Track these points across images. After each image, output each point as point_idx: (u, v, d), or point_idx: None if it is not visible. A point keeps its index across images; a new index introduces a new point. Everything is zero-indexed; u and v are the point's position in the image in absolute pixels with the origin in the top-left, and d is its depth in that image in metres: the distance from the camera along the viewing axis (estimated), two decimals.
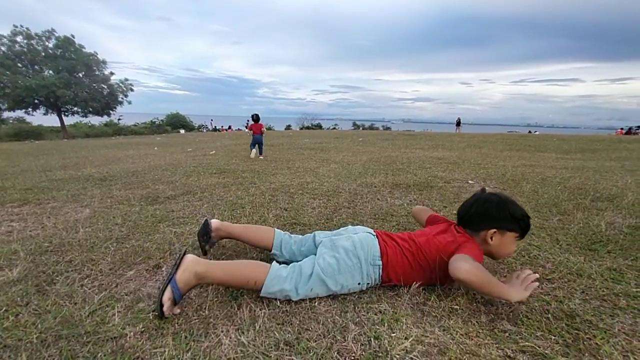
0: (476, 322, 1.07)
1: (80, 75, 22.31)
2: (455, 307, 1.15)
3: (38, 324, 1.06)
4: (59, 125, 23.07)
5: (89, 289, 1.28)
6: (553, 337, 0.99)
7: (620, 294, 1.22)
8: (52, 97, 20.75)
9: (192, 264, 1.14)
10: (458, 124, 23.55)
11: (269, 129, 26.37)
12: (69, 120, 24.17)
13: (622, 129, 22.87)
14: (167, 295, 1.08)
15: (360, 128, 36.12)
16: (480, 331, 1.03)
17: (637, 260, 1.49)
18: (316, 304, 1.18)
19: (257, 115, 6.07)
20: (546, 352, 0.93)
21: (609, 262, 1.48)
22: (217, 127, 30.76)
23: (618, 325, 1.04)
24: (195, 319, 1.09)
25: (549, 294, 1.23)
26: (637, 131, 21.01)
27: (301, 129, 32.35)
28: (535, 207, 2.36)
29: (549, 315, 1.10)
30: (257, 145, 5.82)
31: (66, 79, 20.84)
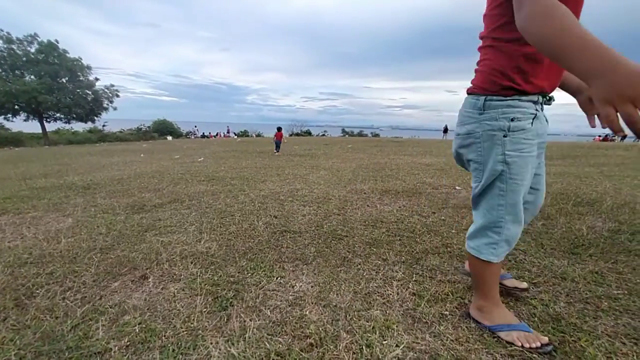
0: (466, 327, 1.08)
1: (64, 80, 21.81)
2: (445, 312, 1.16)
3: (17, 340, 1.01)
4: (40, 131, 22.41)
5: (71, 302, 1.23)
6: None
7: (602, 297, 1.25)
8: (34, 102, 20.18)
9: None
10: (445, 130, 24.09)
11: (258, 135, 26.47)
12: (51, 126, 23.54)
13: (599, 136, 23.83)
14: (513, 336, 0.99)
15: (347, 135, 36.40)
16: (470, 336, 1.04)
17: (617, 263, 1.55)
18: (307, 312, 1.17)
19: (280, 127, 9.09)
20: (534, 356, 0.95)
21: (591, 265, 1.52)
22: (206, 134, 30.49)
23: (601, 327, 1.07)
24: (183, 331, 1.06)
25: (535, 298, 1.25)
26: (613, 138, 21.92)
27: (290, 135, 32.38)
28: None
29: (536, 319, 1.12)
30: (277, 145, 8.52)
31: (49, 84, 20.33)
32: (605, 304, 1.21)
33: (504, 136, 0.86)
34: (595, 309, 1.18)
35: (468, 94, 0.96)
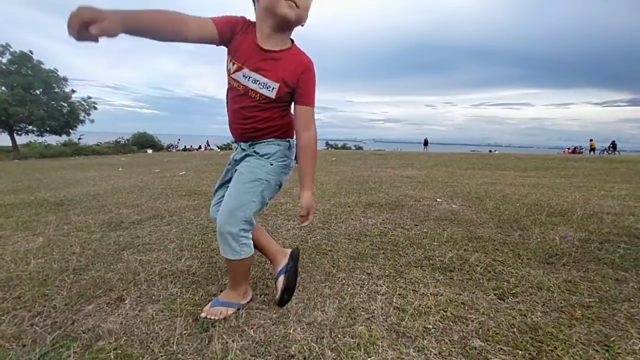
0: (448, 340, 1.10)
1: (38, 92, 21.05)
2: (429, 326, 1.18)
3: None
4: (10, 144, 21.38)
5: (41, 328, 1.16)
6: (520, 352, 1.04)
7: (576, 305, 1.31)
8: (4, 114, 19.31)
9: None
10: (425, 143, 24.84)
11: None
12: (22, 139, 22.52)
13: (568, 148, 25.18)
14: None
15: (331, 148, 36.74)
16: (453, 349, 1.05)
17: (588, 271, 1.62)
18: (291, 330, 1.15)
19: None
20: None
21: (564, 274, 1.59)
22: (187, 147, 29.99)
23: (575, 336, 1.11)
24: (161, 356, 1.02)
25: (514, 308, 1.29)
26: (581, 150, 23.21)
27: None
28: (498, 223, 2.51)
29: (515, 330, 1.15)
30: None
31: (21, 96, 19.54)
32: (579, 312, 1.26)
33: None
34: (569, 317, 1.23)
35: None
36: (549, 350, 1.04)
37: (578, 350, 1.04)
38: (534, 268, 1.68)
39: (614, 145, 21.61)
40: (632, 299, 1.35)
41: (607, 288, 1.45)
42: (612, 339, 1.09)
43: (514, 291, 1.43)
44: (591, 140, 21.97)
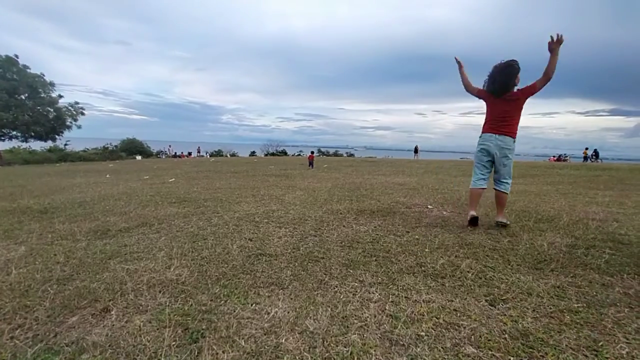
0: (441, 347, 1.09)
1: (23, 97, 20.57)
2: (422, 333, 1.17)
3: None
4: None
5: (21, 342, 1.11)
6: (511, 358, 1.04)
7: (565, 310, 1.33)
8: None
9: None
10: (416, 151, 25.14)
11: (233, 155, 26.30)
12: (5, 145, 21.89)
13: (554, 156, 25.84)
14: None
15: (322, 155, 36.84)
16: (446, 357, 1.05)
17: (575, 277, 1.65)
18: (283, 340, 1.13)
19: (313, 151, 13.75)
20: None
21: (553, 279, 1.62)
22: (177, 153, 29.67)
23: (565, 341, 1.12)
24: None
25: (505, 314, 1.30)
26: (565, 158, 23.86)
27: (266, 155, 32.35)
28: (487, 230, 2.54)
29: (506, 336, 1.16)
30: (310, 163, 11.83)
31: (5, 100, 19.07)
32: (568, 317, 1.28)
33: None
34: (559, 323, 1.24)
35: (509, 136, 2.60)
36: (540, 356, 1.05)
37: (568, 356, 1.05)
38: (524, 274, 1.70)
39: (596, 154, 22.29)
40: (618, 304, 1.37)
41: (594, 293, 1.47)
42: (600, 343, 1.11)
43: (504, 297, 1.44)
44: (586, 149, 22.56)
